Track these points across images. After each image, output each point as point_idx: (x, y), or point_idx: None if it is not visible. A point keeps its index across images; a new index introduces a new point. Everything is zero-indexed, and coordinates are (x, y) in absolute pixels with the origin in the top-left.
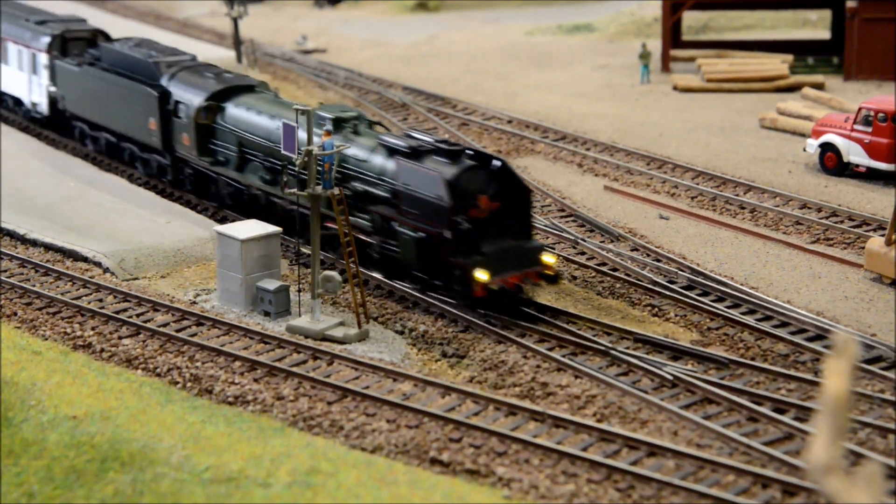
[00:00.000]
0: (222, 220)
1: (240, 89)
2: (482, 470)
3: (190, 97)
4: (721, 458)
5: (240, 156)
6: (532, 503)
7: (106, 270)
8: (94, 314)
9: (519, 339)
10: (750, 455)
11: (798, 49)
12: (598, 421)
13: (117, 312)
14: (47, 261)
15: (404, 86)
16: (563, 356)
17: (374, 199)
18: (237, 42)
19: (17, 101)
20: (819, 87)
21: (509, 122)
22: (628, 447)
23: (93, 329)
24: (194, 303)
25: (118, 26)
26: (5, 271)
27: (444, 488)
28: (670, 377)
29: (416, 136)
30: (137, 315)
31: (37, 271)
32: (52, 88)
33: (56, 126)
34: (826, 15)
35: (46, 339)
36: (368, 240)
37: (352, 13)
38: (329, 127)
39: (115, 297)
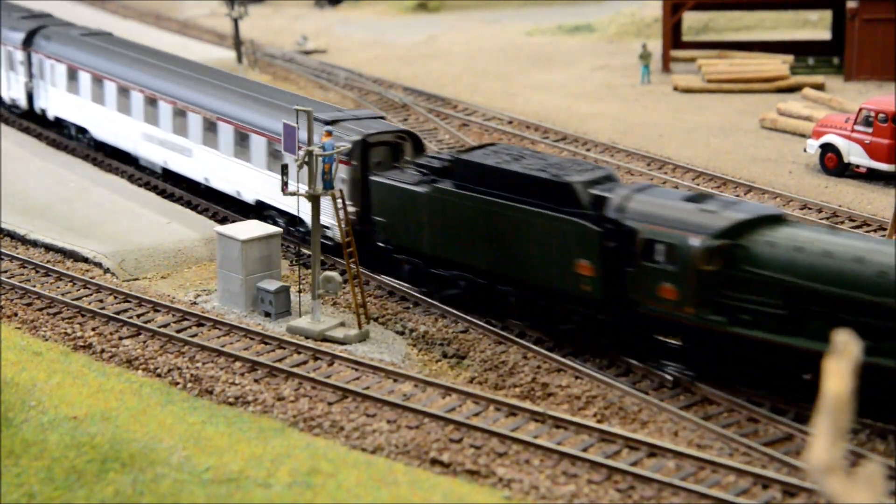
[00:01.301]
0: (223, 221)
1: (759, 222)
2: (482, 470)
3: (679, 236)
4: (721, 458)
5: (786, 312)
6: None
7: (106, 271)
8: (95, 315)
9: (519, 340)
10: (750, 455)
11: (798, 49)
12: (599, 421)
13: (118, 313)
14: (48, 261)
15: (404, 86)
16: (564, 356)
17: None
18: (237, 43)
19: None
20: (819, 87)
21: (510, 122)
22: (629, 448)
23: (93, 330)
24: (195, 303)
25: (119, 26)
26: (6, 272)
27: (444, 489)
28: (670, 378)
29: None
30: (138, 316)
31: (37, 272)
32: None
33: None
34: (826, 15)
35: (47, 340)
36: None
37: (352, 13)
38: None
39: (115, 297)
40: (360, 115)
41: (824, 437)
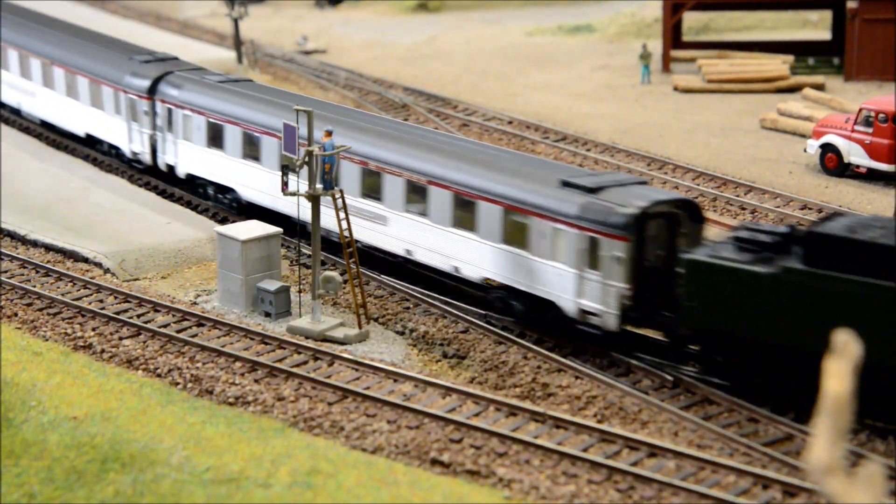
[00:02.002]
0: (223, 221)
1: None
2: (483, 471)
3: None
4: (722, 458)
5: None
6: None
7: (106, 271)
8: (95, 315)
9: (519, 340)
10: (750, 456)
11: (798, 50)
12: (599, 422)
13: (118, 313)
14: (48, 261)
15: (405, 86)
16: (564, 357)
17: None
18: (238, 43)
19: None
20: (819, 87)
21: (510, 122)
22: (629, 448)
23: (93, 330)
24: (195, 303)
25: (119, 27)
26: (6, 272)
27: (444, 489)
28: (671, 378)
29: None
30: (138, 316)
31: (37, 272)
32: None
33: None
34: (826, 16)
35: (47, 340)
36: None
37: (352, 14)
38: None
39: (115, 297)
40: (624, 181)
41: (824, 438)
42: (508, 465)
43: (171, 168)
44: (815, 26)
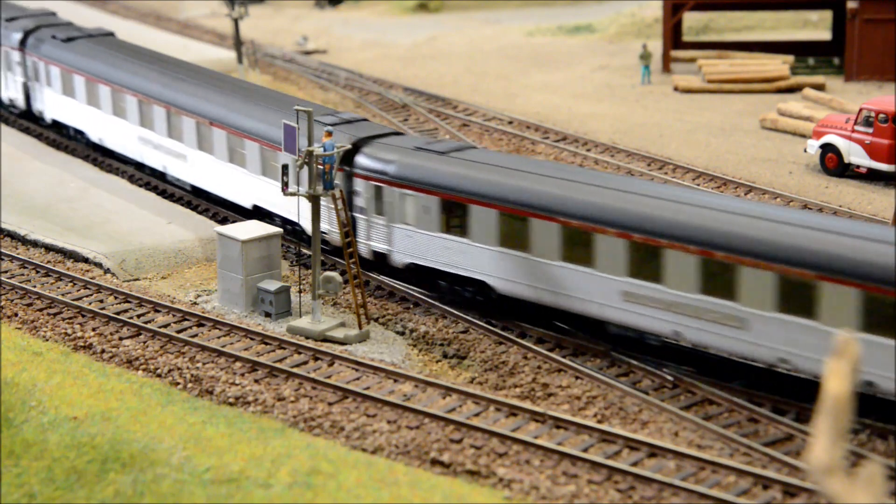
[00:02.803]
0: (223, 221)
1: None
2: (483, 471)
3: None
4: (722, 458)
5: None
6: None
7: (107, 271)
8: (95, 315)
9: (519, 340)
10: (751, 456)
11: (799, 50)
12: (599, 422)
13: (118, 313)
14: (48, 262)
15: (405, 87)
16: (564, 357)
17: None
18: (238, 43)
19: None
20: (820, 87)
21: (510, 122)
22: (629, 448)
23: (93, 330)
24: (195, 304)
25: (119, 27)
26: (6, 272)
27: (444, 489)
28: (671, 378)
29: None
30: (138, 316)
31: (37, 272)
32: None
33: None
34: (827, 16)
35: (47, 340)
36: None
37: (352, 14)
38: (329, 129)
39: (115, 297)
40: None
41: (825, 438)
42: (509, 466)
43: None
44: (816, 26)
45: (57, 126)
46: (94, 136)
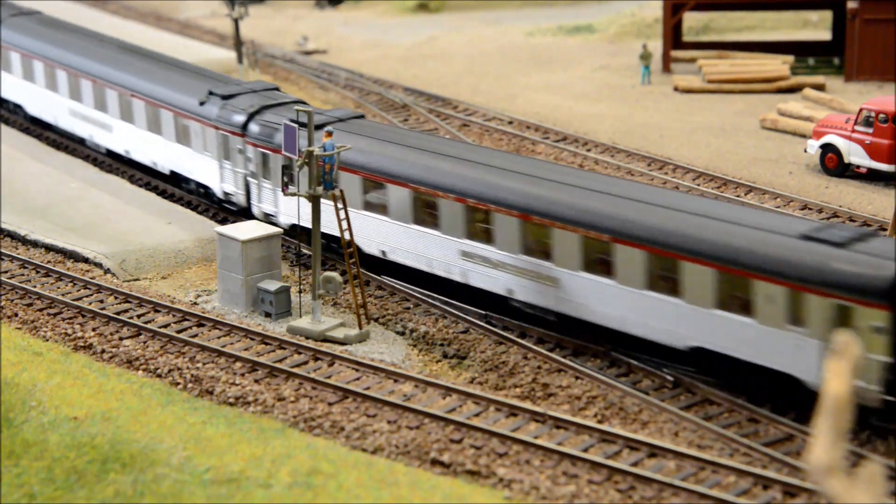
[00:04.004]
0: (223, 221)
1: None
2: (483, 471)
3: None
4: (722, 459)
5: None
6: None
7: (107, 271)
8: (95, 315)
9: (520, 340)
10: (751, 456)
11: (799, 50)
12: (599, 422)
13: (118, 313)
14: (48, 262)
15: (405, 87)
16: (564, 357)
17: None
18: (238, 43)
19: None
20: (820, 87)
21: (510, 123)
22: (629, 448)
23: (94, 330)
24: (195, 304)
25: (119, 27)
26: (6, 272)
27: (444, 489)
28: (671, 378)
29: None
30: (138, 316)
31: (38, 272)
32: None
33: None
34: (827, 16)
35: (47, 340)
36: None
37: (352, 14)
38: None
39: (115, 298)
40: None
41: (825, 438)
42: (509, 466)
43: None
44: (816, 26)
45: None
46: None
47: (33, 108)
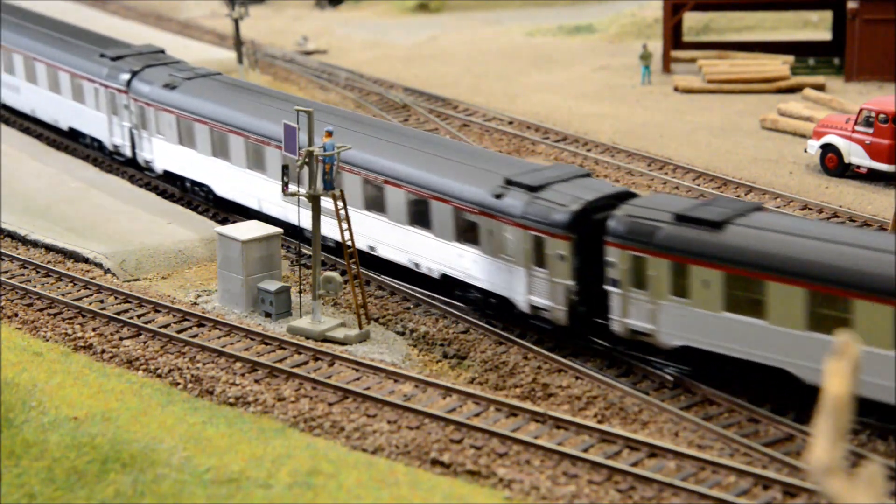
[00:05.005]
0: (223, 222)
1: None
2: (483, 471)
3: None
4: (722, 459)
5: None
6: None
7: (107, 271)
8: (95, 315)
9: (520, 340)
10: (751, 456)
11: (799, 50)
12: (599, 422)
13: (118, 313)
14: (48, 262)
15: (405, 87)
16: (564, 357)
17: None
18: (238, 43)
19: None
20: (820, 88)
21: (510, 123)
22: (629, 448)
23: (94, 330)
24: (195, 304)
25: (119, 27)
26: (6, 272)
27: (444, 489)
28: (671, 378)
29: None
30: (138, 316)
31: (38, 272)
32: None
33: None
34: (827, 16)
35: (47, 341)
36: None
37: (353, 14)
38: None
39: (116, 298)
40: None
41: (825, 438)
42: (509, 466)
43: None
44: (816, 26)
45: None
46: None
47: None
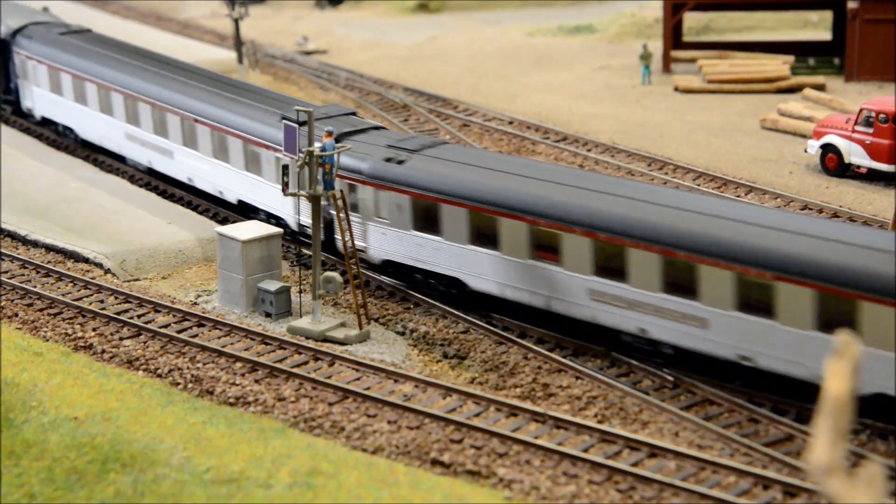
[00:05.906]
0: (223, 221)
1: None
2: (483, 471)
3: None
4: (722, 459)
5: None
6: None
7: (107, 271)
8: (96, 315)
9: (520, 340)
10: (751, 456)
11: (799, 50)
12: (600, 422)
13: (118, 313)
14: (48, 262)
15: (405, 87)
16: (564, 357)
17: None
18: (238, 43)
19: None
20: (820, 88)
21: (510, 123)
22: (629, 448)
23: (94, 330)
24: (195, 304)
25: (119, 27)
26: (6, 272)
27: (445, 489)
28: (671, 378)
29: None
30: (138, 316)
31: (38, 272)
32: None
33: None
34: (827, 16)
35: (47, 341)
36: None
37: (353, 14)
38: (331, 128)
39: (116, 298)
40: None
41: (825, 438)
42: (509, 466)
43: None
44: (816, 26)
45: None
46: None
47: None
